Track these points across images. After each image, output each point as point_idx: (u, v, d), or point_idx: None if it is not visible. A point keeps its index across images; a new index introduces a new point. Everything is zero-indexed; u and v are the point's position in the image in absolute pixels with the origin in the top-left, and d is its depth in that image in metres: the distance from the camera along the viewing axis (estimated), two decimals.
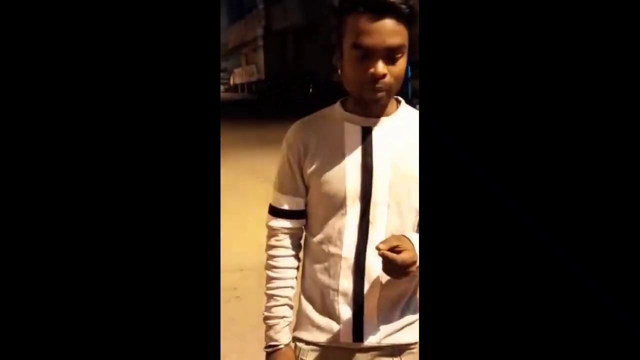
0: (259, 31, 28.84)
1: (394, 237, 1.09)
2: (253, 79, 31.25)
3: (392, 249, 1.04)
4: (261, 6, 28.14)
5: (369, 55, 1.04)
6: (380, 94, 1.08)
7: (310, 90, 18.73)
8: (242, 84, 34.53)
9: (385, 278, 1.15)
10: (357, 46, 1.05)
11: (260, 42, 29.23)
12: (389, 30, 1.03)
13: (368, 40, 1.03)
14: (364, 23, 1.03)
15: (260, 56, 29.41)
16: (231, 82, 37.38)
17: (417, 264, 1.06)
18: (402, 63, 1.08)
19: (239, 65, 35.91)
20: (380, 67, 1.04)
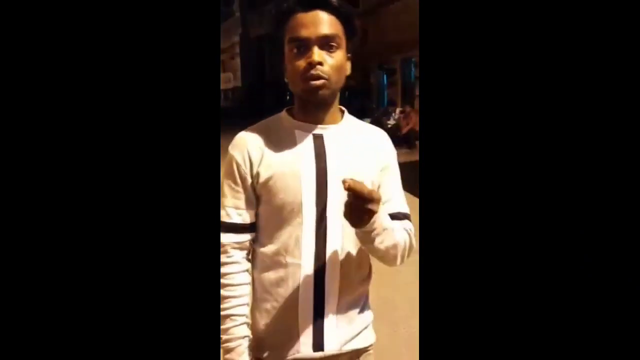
0: (236, 38, 28.83)
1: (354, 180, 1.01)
2: (229, 86, 31.19)
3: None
4: (238, 13, 28.16)
5: (304, 46, 1.09)
6: (319, 82, 1.09)
7: (287, 97, 18.76)
8: None
9: (344, 281, 1.15)
10: (292, 40, 1.10)
11: (237, 50, 29.21)
12: (322, 20, 1.09)
13: (302, 32, 1.08)
14: (298, 18, 1.10)
15: (237, 63, 29.38)
16: None
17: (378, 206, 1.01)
18: (339, 55, 1.11)
19: None
20: (316, 54, 1.08)
